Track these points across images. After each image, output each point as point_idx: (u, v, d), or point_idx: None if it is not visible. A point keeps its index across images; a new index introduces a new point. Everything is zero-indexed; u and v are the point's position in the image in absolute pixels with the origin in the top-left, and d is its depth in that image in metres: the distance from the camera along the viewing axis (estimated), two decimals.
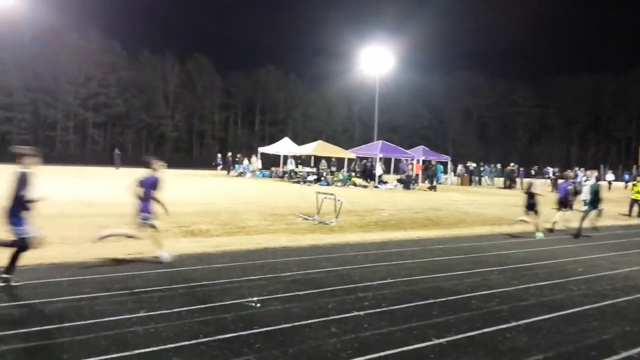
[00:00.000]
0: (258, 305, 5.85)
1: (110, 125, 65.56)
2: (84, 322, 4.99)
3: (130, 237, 8.18)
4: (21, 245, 6.16)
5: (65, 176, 28.21)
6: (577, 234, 12.64)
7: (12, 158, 6.29)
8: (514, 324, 5.52)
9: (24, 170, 6.19)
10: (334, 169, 33.16)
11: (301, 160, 36.61)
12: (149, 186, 7.82)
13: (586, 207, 13.46)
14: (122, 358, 4.23)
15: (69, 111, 61.27)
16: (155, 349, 4.42)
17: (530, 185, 12.92)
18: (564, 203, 13.51)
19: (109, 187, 21.92)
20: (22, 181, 6.12)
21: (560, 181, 19.23)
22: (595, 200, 13.27)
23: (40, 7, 46.86)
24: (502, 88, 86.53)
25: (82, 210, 13.48)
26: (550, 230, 13.23)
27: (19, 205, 6.12)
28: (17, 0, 41.48)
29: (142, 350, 4.36)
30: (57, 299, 5.71)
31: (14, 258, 6.17)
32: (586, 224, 13.18)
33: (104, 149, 63.16)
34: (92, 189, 20.35)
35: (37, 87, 58.02)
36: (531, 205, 12.44)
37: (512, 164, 38.30)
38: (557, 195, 14.18)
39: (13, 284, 6.13)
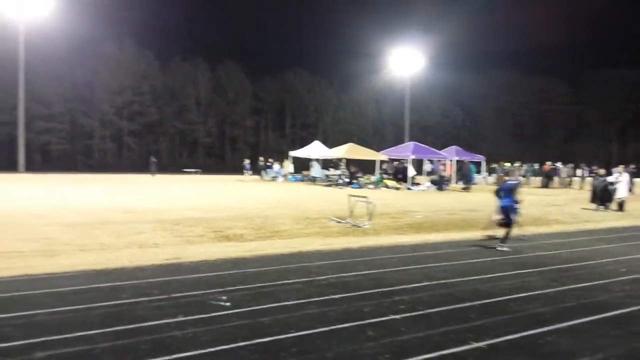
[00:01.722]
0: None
1: (145, 133, 66.93)
2: (124, 327, 5.10)
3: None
4: None
5: (104, 184, 28.92)
6: None
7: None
8: (555, 326, 5.38)
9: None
10: (353, 169, 32.76)
11: (333, 163, 36.53)
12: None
13: None
14: None
15: (105, 120, 62.80)
16: (194, 353, 4.48)
17: None
18: None
19: (146, 193, 22.37)
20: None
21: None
22: None
23: (76, 19, 48.48)
24: (537, 85, 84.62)
25: (122, 216, 13.75)
26: None
27: None
28: (53, 12, 42.91)
29: (181, 355, 4.43)
30: (98, 304, 5.85)
31: None
32: None
33: (140, 156, 64.53)
34: (130, 196, 20.77)
35: (74, 97, 59.72)
36: None
37: (549, 163, 37.44)
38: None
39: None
